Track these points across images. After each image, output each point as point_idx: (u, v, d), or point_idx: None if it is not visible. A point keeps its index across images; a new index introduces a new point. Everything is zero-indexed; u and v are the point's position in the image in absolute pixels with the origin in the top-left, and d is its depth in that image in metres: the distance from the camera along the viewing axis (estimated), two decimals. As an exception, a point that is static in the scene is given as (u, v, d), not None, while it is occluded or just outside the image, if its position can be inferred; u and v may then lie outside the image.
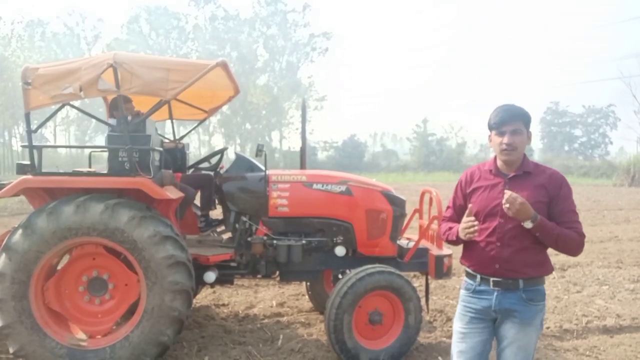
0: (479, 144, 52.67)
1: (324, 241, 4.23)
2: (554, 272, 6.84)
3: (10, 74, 30.41)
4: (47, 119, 4.21)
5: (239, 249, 4.20)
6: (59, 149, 41.58)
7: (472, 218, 2.37)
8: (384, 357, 3.77)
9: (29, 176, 3.67)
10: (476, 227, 2.33)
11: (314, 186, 4.20)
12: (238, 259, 4.20)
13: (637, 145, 43.11)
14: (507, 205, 2.24)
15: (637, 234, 10.60)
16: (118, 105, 4.05)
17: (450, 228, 2.57)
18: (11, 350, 3.51)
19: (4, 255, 3.46)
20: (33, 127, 3.83)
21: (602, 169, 37.30)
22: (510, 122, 2.36)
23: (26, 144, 3.73)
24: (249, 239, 4.18)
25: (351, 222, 4.21)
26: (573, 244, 2.32)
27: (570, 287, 6.20)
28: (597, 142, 59.49)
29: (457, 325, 2.55)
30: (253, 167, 4.35)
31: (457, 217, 2.59)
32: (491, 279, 2.40)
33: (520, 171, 2.41)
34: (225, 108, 34.55)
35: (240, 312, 5.11)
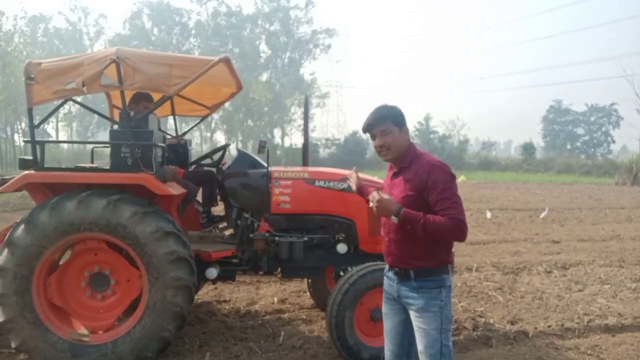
0: (481, 142, 52.56)
1: (326, 238, 4.23)
2: (555, 271, 6.85)
3: (12, 69, 30.38)
4: (50, 114, 4.22)
5: (241, 245, 4.20)
6: (61, 145, 41.71)
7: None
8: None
9: (32, 171, 3.66)
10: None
11: (316, 183, 4.19)
12: (240, 255, 4.20)
13: (640, 143, 43.05)
14: (371, 205, 2.36)
15: (639, 232, 10.57)
16: (135, 100, 4.05)
17: None
18: (13, 345, 3.52)
19: (6, 250, 3.47)
20: (35, 122, 3.83)
21: (604, 167, 37.14)
22: (378, 124, 2.43)
23: (29, 139, 3.72)
24: (250, 235, 4.18)
25: (353, 219, 4.20)
26: (446, 229, 2.25)
27: (572, 286, 6.19)
28: (599, 140, 59.43)
29: (382, 307, 2.66)
30: (255, 164, 4.35)
31: None
32: (393, 268, 2.53)
33: (397, 168, 2.49)
34: (227, 104, 34.53)
35: (242, 308, 5.11)
